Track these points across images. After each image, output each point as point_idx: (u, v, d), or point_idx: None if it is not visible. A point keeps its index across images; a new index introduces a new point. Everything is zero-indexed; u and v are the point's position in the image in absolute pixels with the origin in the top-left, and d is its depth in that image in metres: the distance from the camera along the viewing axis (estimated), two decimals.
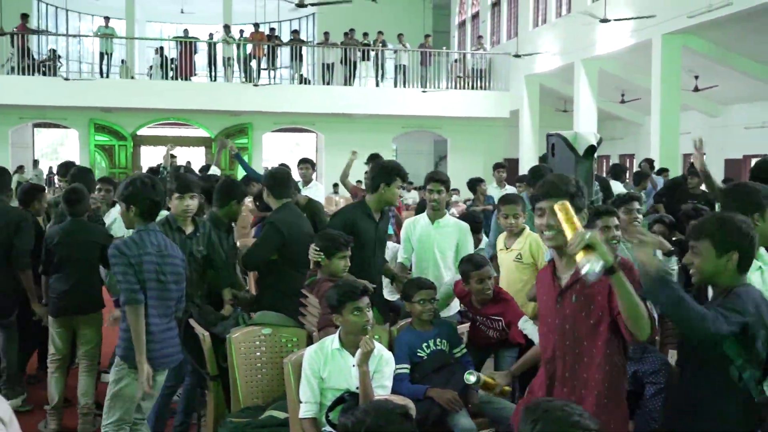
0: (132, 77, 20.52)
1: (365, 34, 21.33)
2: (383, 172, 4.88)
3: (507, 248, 5.04)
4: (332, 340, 3.63)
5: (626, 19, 13.62)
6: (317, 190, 8.00)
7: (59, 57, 20.01)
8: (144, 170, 14.25)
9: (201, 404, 4.95)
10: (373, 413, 2.11)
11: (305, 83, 21.66)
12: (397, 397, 3.06)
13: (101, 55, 19.79)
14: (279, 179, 5.16)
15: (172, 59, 20.66)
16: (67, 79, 19.20)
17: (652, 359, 3.51)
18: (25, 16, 19.71)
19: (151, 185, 3.96)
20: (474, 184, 9.05)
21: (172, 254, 4.01)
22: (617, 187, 8.46)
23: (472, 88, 21.45)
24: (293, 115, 21.52)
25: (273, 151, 24.54)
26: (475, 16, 24.12)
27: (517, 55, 18.11)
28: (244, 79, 20.42)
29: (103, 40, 19.75)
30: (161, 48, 20.68)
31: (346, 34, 21.30)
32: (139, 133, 22.13)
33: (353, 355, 3.52)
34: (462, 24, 25.27)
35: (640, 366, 3.48)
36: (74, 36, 19.76)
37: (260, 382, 4.20)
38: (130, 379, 3.85)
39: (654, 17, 13.24)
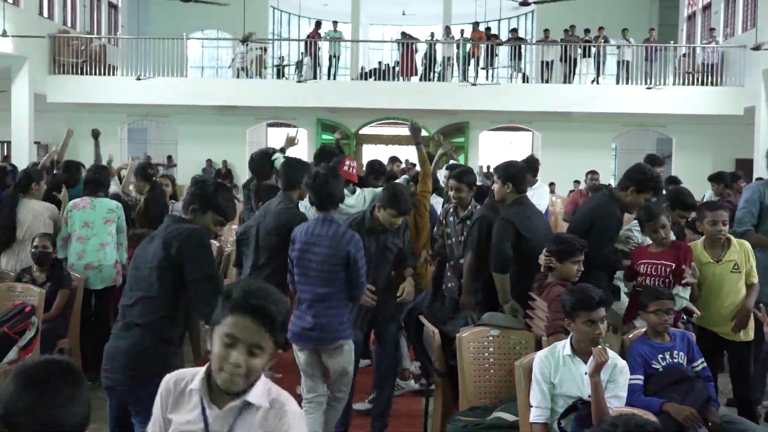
0: (355, 78, 21.44)
1: (587, 31, 20.76)
2: (642, 177, 4.70)
3: (717, 261, 4.67)
4: (564, 346, 3.59)
5: None
6: (542, 191, 7.93)
7: (301, 62, 21.30)
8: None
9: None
10: (622, 427, 2.07)
11: (524, 81, 21.48)
12: (643, 412, 2.99)
13: (329, 57, 20.86)
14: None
15: (395, 62, 21.36)
16: (300, 81, 20.47)
17: None
18: (318, 24, 21.52)
19: (315, 177, 4.32)
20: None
21: (321, 243, 4.24)
22: None
23: (702, 83, 20.13)
24: (510, 114, 21.38)
25: (488, 150, 24.54)
26: (707, 8, 22.62)
27: (755, 48, 16.80)
28: (461, 79, 20.63)
29: (331, 44, 20.84)
30: (380, 64, 21.51)
31: (566, 30, 20.86)
32: (361, 131, 23.05)
33: (585, 362, 3.46)
34: (691, 16, 23.81)
35: None
36: (305, 40, 21.01)
37: (488, 383, 4.25)
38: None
39: None
